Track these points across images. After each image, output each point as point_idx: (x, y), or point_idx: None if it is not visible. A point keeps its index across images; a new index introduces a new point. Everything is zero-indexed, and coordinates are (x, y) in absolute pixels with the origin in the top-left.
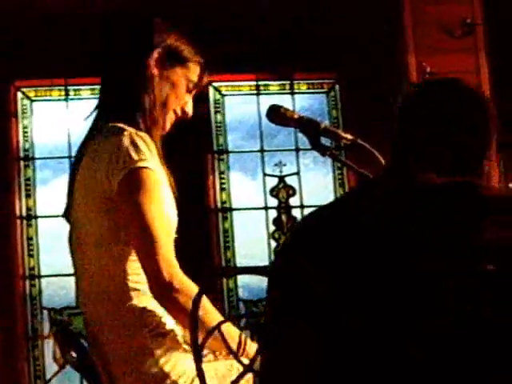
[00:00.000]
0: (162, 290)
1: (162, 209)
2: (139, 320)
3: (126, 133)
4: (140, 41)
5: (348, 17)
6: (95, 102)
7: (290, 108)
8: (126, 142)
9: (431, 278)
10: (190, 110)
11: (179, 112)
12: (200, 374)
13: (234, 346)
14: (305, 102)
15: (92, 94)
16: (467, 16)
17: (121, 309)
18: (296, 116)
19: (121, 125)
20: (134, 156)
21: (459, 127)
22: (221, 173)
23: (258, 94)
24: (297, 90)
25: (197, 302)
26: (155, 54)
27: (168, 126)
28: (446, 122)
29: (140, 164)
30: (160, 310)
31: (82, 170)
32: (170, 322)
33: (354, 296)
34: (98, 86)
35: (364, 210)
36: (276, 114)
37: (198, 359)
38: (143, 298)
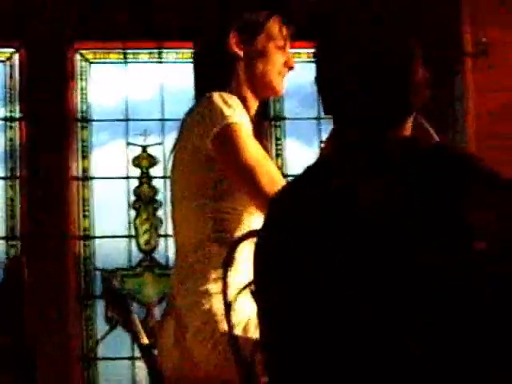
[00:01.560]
0: None
1: (259, 149)
2: (210, 265)
3: (215, 93)
4: (217, 30)
5: None
6: (153, 65)
7: None
8: (216, 100)
9: (428, 271)
10: (291, 63)
11: (284, 69)
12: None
13: None
14: None
15: (150, 57)
16: None
17: (199, 254)
18: None
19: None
20: (225, 112)
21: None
22: (277, 139)
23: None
24: None
25: (232, 248)
26: (233, 38)
27: (279, 87)
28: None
29: (230, 121)
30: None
31: (181, 135)
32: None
33: (350, 290)
34: (156, 50)
35: (360, 201)
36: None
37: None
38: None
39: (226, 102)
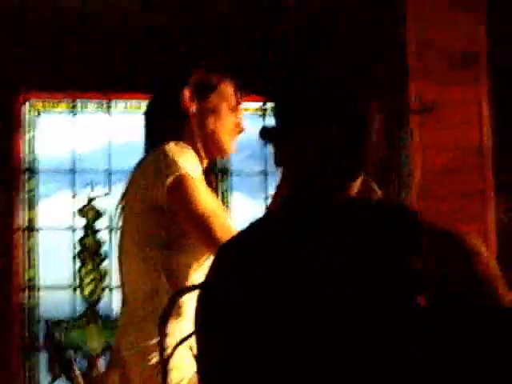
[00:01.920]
0: None
1: (212, 199)
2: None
3: (169, 144)
4: (171, 84)
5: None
6: (101, 116)
7: None
8: (170, 150)
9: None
10: (242, 125)
11: (235, 132)
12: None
13: None
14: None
15: (98, 108)
16: (470, 47)
17: (149, 307)
18: None
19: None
20: (179, 163)
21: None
22: (224, 192)
23: (263, 116)
24: None
25: (171, 302)
26: (186, 93)
27: (228, 148)
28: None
29: (184, 171)
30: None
31: (130, 186)
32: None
33: (349, 293)
34: (104, 101)
35: (296, 238)
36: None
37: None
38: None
39: (180, 153)
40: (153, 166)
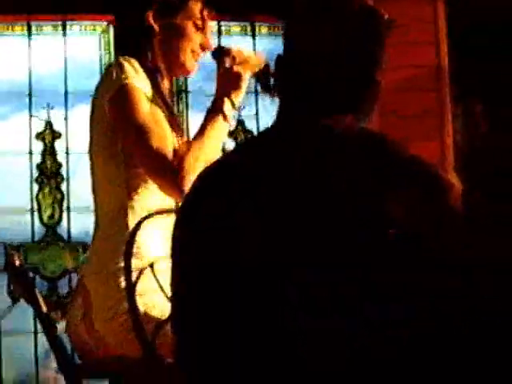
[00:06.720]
0: (168, 180)
1: (154, 113)
2: (124, 239)
3: (116, 59)
4: (136, 3)
5: None
6: (57, 39)
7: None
8: (114, 65)
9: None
10: (209, 45)
11: (199, 50)
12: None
13: None
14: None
15: (54, 30)
16: None
17: (115, 226)
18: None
19: None
20: (120, 75)
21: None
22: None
23: (218, 36)
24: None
25: (130, 242)
26: (150, 12)
27: (191, 66)
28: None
29: (125, 81)
30: (147, 235)
31: (92, 104)
32: (153, 251)
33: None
34: (60, 23)
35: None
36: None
37: (132, 297)
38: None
39: (124, 65)
40: (101, 80)
